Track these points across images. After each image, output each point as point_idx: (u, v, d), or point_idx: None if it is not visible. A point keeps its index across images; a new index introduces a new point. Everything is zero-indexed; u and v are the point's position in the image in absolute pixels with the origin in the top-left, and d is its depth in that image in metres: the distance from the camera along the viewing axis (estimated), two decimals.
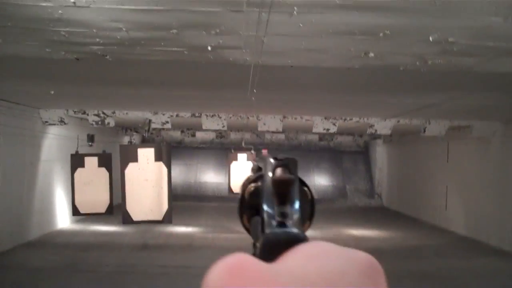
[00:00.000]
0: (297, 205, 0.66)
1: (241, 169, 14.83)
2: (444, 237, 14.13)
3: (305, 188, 0.74)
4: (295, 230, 0.62)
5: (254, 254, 0.61)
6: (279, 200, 0.65)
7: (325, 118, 12.74)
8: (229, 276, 0.49)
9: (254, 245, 0.67)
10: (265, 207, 0.66)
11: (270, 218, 0.64)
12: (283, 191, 0.66)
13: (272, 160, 0.68)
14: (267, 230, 0.63)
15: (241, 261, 0.51)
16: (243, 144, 16.57)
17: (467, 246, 12.88)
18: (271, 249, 0.59)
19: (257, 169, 0.78)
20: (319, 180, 22.90)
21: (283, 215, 0.64)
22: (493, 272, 10.09)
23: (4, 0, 4.06)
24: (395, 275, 9.49)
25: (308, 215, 0.73)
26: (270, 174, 0.67)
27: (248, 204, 0.73)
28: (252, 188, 0.73)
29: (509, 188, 12.02)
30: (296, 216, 0.65)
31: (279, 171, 0.67)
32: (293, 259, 0.52)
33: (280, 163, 0.68)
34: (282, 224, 0.63)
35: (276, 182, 0.66)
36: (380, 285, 0.53)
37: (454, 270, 10.17)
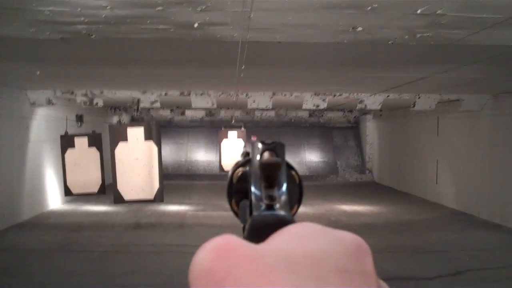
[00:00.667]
0: (284, 188, 0.66)
1: (231, 147, 14.83)
2: (435, 211, 14.23)
3: (293, 172, 0.75)
4: (282, 212, 0.63)
5: (243, 237, 0.61)
6: (267, 183, 0.66)
7: (315, 94, 12.73)
8: (216, 257, 0.49)
9: (244, 228, 0.67)
10: (253, 190, 0.66)
11: (258, 201, 0.65)
12: (271, 174, 0.66)
13: (259, 144, 0.69)
14: (255, 213, 0.64)
15: (228, 242, 0.51)
16: (233, 122, 16.56)
17: (458, 219, 12.98)
18: (258, 231, 0.60)
19: (246, 154, 0.78)
20: (310, 157, 22.95)
21: (271, 198, 0.64)
22: (484, 245, 10.18)
23: None
24: (387, 249, 9.61)
25: (296, 199, 0.75)
26: (258, 157, 0.68)
27: (236, 188, 0.74)
28: (240, 173, 0.74)
29: (499, 161, 12.09)
30: (283, 198, 0.65)
31: (266, 154, 0.67)
32: (280, 240, 0.52)
33: (267, 147, 0.69)
34: (270, 207, 0.64)
35: (263, 165, 0.66)
36: (367, 266, 0.53)
37: (446, 244, 10.26)
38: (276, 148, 0.68)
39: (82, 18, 5.07)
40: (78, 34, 5.69)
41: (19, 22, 5.21)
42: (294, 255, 0.49)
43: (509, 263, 8.85)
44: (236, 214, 0.75)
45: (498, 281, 7.91)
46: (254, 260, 0.49)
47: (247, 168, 0.73)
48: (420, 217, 13.36)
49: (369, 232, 11.24)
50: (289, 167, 0.73)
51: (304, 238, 0.52)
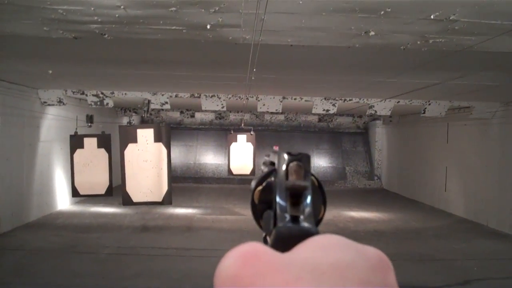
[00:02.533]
0: (309, 199, 0.66)
1: (240, 150, 14.83)
2: (444, 219, 14.16)
3: (312, 177, 0.73)
4: (307, 224, 0.63)
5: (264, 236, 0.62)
6: (293, 200, 0.66)
7: (325, 99, 12.71)
8: (243, 264, 0.50)
9: (265, 238, 0.69)
10: (278, 201, 0.66)
11: (282, 212, 0.65)
12: (298, 197, 0.65)
13: (285, 155, 0.68)
14: (280, 224, 0.63)
15: (254, 249, 0.52)
16: (242, 125, 16.56)
17: (467, 228, 12.91)
18: (283, 242, 0.61)
19: (270, 164, 0.78)
20: (319, 162, 22.91)
21: (296, 210, 0.64)
22: (492, 254, 10.12)
23: None
24: (395, 256, 9.54)
25: (320, 203, 0.75)
26: (284, 167, 0.67)
27: (260, 199, 0.74)
28: (265, 183, 0.74)
29: (509, 169, 12.02)
30: (308, 210, 0.65)
31: (293, 175, 0.67)
32: (305, 250, 0.53)
33: (293, 158, 0.68)
34: (294, 219, 0.63)
35: (292, 189, 0.65)
36: (390, 279, 0.54)
37: (454, 252, 10.20)
38: (302, 159, 0.68)
39: (96, 18, 5.08)
40: (91, 33, 5.70)
41: (33, 20, 5.23)
42: (319, 264, 0.50)
43: None
44: (259, 224, 0.76)
45: None
46: (280, 269, 0.49)
47: (272, 178, 0.73)
48: (428, 225, 13.30)
49: (377, 239, 11.19)
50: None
51: (329, 249, 0.52)
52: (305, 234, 0.59)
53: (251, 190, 0.75)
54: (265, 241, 0.67)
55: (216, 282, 0.51)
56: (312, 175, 0.74)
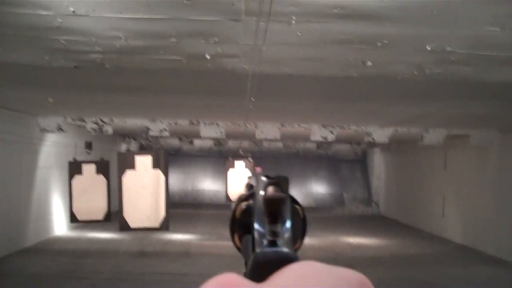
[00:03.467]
0: (288, 224, 0.65)
1: (238, 177, 14.82)
2: (441, 246, 14.12)
3: (297, 206, 0.73)
4: (285, 249, 0.62)
5: (245, 274, 0.60)
6: (271, 218, 0.65)
7: (323, 126, 12.76)
8: None
9: (246, 264, 0.66)
10: (256, 226, 0.65)
11: (261, 237, 0.64)
12: (275, 209, 0.65)
13: (263, 178, 0.68)
14: (258, 249, 0.63)
15: (229, 281, 0.51)
16: (240, 152, 16.58)
17: (464, 254, 12.87)
18: (261, 268, 0.59)
19: (249, 187, 0.77)
20: (317, 188, 22.89)
21: (274, 234, 0.64)
22: (490, 281, 10.09)
23: (4, 9, 4.07)
24: (392, 283, 9.52)
25: (300, 234, 0.73)
26: (262, 192, 0.67)
27: (239, 223, 0.73)
28: (244, 206, 0.73)
29: (506, 196, 12.03)
30: (287, 235, 0.64)
31: (270, 189, 0.67)
32: (283, 280, 0.52)
33: (271, 181, 0.68)
34: (273, 243, 0.63)
35: (268, 200, 0.65)
36: None
37: (451, 279, 10.17)
38: (280, 183, 0.67)
39: (97, 48, 5.14)
40: (91, 63, 5.76)
41: (34, 50, 5.30)
42: None
43: None
44: (238, 249, 0.74)
45: None
46: None
47: (251, 201, 0.71)
48: (426, 251, 13.26)
49: (374, 265, 11.16)
50: (294, 201, 0.71)
51: (307, 278, 0.51)
52: (284, 259, 0.58)
53: (231, 210, 0.75)
54: (246, 267, 0.67)
55: None
56: (298, 204, 0.74)
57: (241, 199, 0.74)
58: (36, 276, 9.30)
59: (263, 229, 0.65)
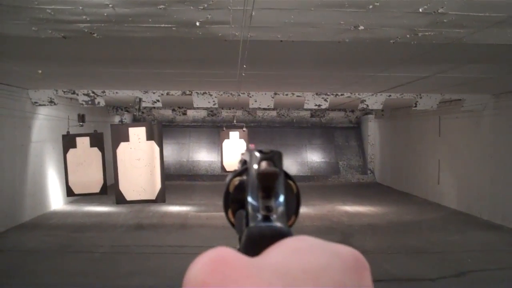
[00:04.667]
0: (282, 198, 0.65)
1: (233, 147, 14.84)
2: (437, 212, 14.22)
3: (290, 182, 0.73)
4: (279, 224, 0.62)
5: (239, 249, 0.61)
6: (264, 193, 0.65)
7: (316, 94, 12.73)
8: (211, 270, 0.50)
9: (240, 239, 0.67)
10: (249, 201, 0.66)
11: (254, 212, 0.64)
12: (268, 184, 0.67)
13: (257, 154, 0.68)
14: (251, 224, 0.63)
15: (222, 255, 0.51)
16: (234, 122, 16.56)
17: (460, 220, 12.96)
18: (254, 243, 0.60)
19: (243, 162, 0.76)
20: (312, 157, 22.94)
21: (268, 209, 0.64)
22: (486, 246, 10.17)
23: None
24: (389, 250, 9.60)
25: (293, 210, 0.73)
26: (255, 167, 0.67)
27: (233, 198, 0.73)
28: (237, 182, 0.73)
29: (501, 161, 12.07)
30: (281, 210, 0.64)
31: (263, 164, 0.66)
32: (277, 254, 0.52)
33: (265, 156, 0.68)
34: (266, 218, 0.63)
35: (261, 175, 0.66)
36: (365, 280, 0.53)
37: (447, 244, 10.24)
38: (273, 158, 0.67)
39: (84, 17, 5.07)
40: (80, 32, 5.69)
41: (21, 20, 5.21)
42: (291, 269, 0.49)
43: (511, 264, 8.84)
44: (232, 224, 0.74)
45: (501, 282, 7.89)
46: (250, 274, 0.48)
47: (245, 177, 0.71)
48: (421, 218, 13.34)
49: (371, 233, 11.24)
50: (287, 176, 0.71)
51: (301, 252, 0.51)
52: (278, 234, 0.58)
53: (225, 184, 0.74)
54: (240, 242, 0.67)
55: None
56: (291, 179, 0.73)
57: (235, 174, 0.74)
58: (34, 251, 9.33)
59: (257, 204, 0.64)
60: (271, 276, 0.48)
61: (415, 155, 17.54)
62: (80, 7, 4.75)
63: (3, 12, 4.92)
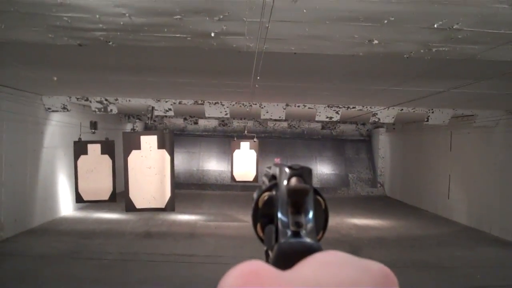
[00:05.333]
0: (311, 214, 0.66)
1: (243, 157, 14.84)
2: (446, 227, 14.13)
3: (319, 198, 0.74)
4: (309, 240, 0.63)
5: (267, 262, 0.61)
6: (294, 209, 0.67)
7: (328, 106, 12.73)
8: (244, 283, 0.50)
9: (267, 252, 0.68)
10: (279, 216, 0.67)
11: (284, 227, 0.65)
12: (298, 200, 0.67)
13: (287, 169, 0.68)
14: (282, 240, 0.64)
15: (255, 268, 0.52)
16: (245, 132, 16.57)
17: (469, 235, 12.88)
18: (285, 258, 0.61)
19: (272, 178, 0.78)
20: (322, 169, 22.89)
21: (298, 224, 0.65)
22: (495, 262, 10.09)
23: None
24: (397, 264, 9.54)
25: (322, 225, 0.74)
26: (285, 183, 0.67)
27: (262, 213, 0.74)
28: (266, 197, 0.73)
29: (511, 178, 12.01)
30: (310, 225, 0.65)
31: (293, 180, 0.67)
32: (307, 268, 0.53)
33: (294, 172, 0.68)
34: (296, 234, 0.64)
35: (292, 191, 0.67)
36: None
37: (457, 260, 10.18)
38: (303, 174, 0.68)
39: (101, 25, 5.11)
40: (95, 40, 5.73)
41: (38, 27, 5.26)
42: (321, 282, 0.50)
43: None
44: (261, 239, 0.75)
45: None
46: (281, 286, 0.49)
47: (273, 192, 0.72)
48: (431, 232, 13.27)
49: (379, 247, 11.18)
50: (316, 192, 0.72)
51: (332, 267, 0.52)
52: (308, 250, 0.59)
53: (253, 199, 0.75)
54: (266, 255, 0.68)
55: None
56: (320, 195, 0.75)
57: (264, 189, 0.75)
58: (43, 257, 9.35)
59: (287, 220, 0.65)
60: None
61: (425, 169, 17.47)
62: (97, 16, 4.79)
63: (20, 18, 4.97)
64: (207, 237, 11.61)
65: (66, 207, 14.11)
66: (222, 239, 11.13)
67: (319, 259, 0.54)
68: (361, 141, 23.66)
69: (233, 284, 0.50)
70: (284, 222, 0.65)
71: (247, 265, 0.52)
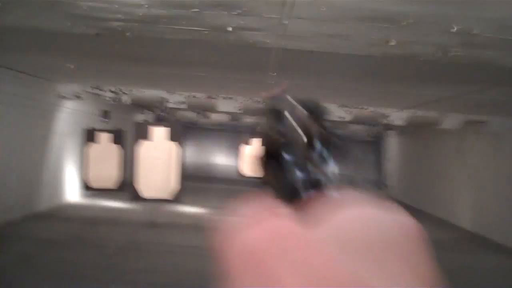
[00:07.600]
0: (324, 151, 0.68)
1: (252, 153, 14.85)
2: (451, 231, 14.08)
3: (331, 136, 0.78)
4: (318, 175, 0.65)
5: (276, 195, 0.61)
6: (306, 146, 0.67)
7: (340, 106, 12.69)
8: (271, 240, 0.49)
9: (276, 190, 0.68)
10: (289, 153, 0.67)
11: (296, 165, 0.66)
12: (326, 146, 0.68)
13: (303, 110, 0.69)
14: (291, 174, 0.65)
15: (282, 225, 0.51)
16: (258, 129, 16.58)
17: (475, 242, 12.83)
18: (293, 192, 0.61)
19: (275, 113, 0.76)
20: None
21: (309, 159, 0.66)
22: (498, 269, 10.05)
23: None
24: None
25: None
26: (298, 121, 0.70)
27: (270, 153, 0.75)
28: (273, 138, 0.74)
29: None
30: (321, 162, 0.66)
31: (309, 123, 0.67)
32: (336, 223, 0.52)
33: (309, 117, 0.69)
34: (305, 169, 0.65)
35: (324, 136, 0.67)
36: (423, 251, 0.54)
37: (459, 266, 10.12)
38: (317, 115, 0.67)
39: (119, 15, 5.12)
40: (113, 30, 5.74)
41: (56, 15, 5.28)
42: (351, 238, 0.49)
43: None
44: (264, 180, 0.74)
45: None
46: (310, 244, 0.48)
47: (281, 129, 0.71)
48: (434, 236, 12.96)
49: None
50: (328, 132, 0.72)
51: (361, 223, 0.51)
52: (316, 184, 0.58)
53: (263, 140, 0.72)
54: (266, 186, 0.66)
55: (233, 256, 0.49)
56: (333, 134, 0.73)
57: (270, 133, 0.74)
58: (48, 241, 9.40)
59: (298, 156, 0.66)
60: (331, 246, 0.48)
61: (433, 173, 17.40)
62: (116, 6, 4.80)
63: (39, 6, 4.99)
64: (212, 230, 11.61)
65: (73, 193, 14.16)
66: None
67: (348, 215, 0.53)
68: (370, 142, 23.59)
69: (256, 241, 0.48)
70: (295, 158, 0.63)
71: (274, 222, 0.50)
